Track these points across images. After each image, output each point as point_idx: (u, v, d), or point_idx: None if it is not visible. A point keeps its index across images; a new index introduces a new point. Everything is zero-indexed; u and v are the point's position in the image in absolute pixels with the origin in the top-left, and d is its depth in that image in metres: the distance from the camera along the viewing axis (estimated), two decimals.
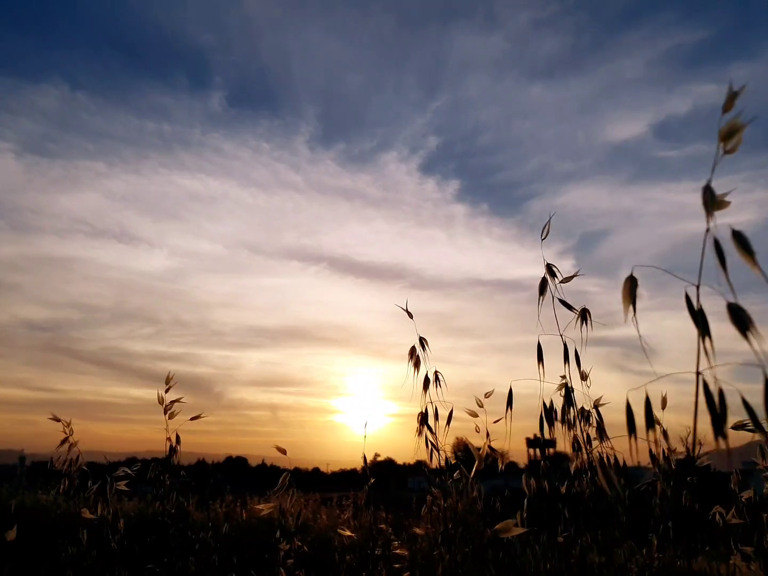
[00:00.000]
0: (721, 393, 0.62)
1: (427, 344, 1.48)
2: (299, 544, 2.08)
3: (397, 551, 1.83)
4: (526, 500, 1.53)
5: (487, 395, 1.66)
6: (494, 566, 1.70)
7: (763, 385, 0.57)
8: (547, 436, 1.25)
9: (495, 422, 1.60)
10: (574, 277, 1.22)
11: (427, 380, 1.48)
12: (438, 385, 1.48)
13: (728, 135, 0.67)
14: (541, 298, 1.12)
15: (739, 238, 0.62)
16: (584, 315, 1.19)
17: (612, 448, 1.30)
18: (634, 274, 0.75)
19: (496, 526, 0.83)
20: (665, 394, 1.54)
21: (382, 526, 2.78)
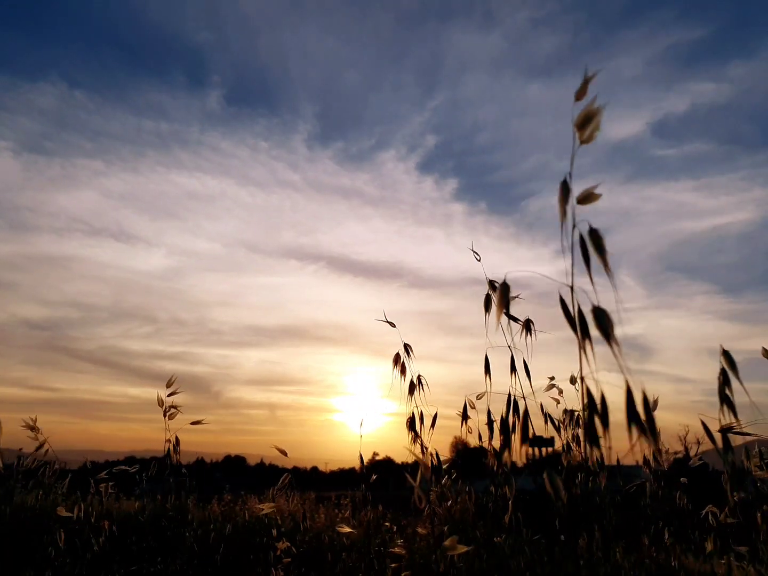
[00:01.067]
0: (603, 399, 0.59)
1: (411, 350, 1.50)
2: (288, 545, 2.09)
3: (396, 550, 1.84)
4: (510, 502, 1.55)
5: (479, 397, 1.68)
6: (488, 567, 1.72)
7: (625, 393, 0.56)
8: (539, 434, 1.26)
9: (486, 424, 1.61)
10: (516, 297, 1.22)
11: (412, 385, 1.50)
12: (421, 389, 1.51)
13: (584, 123, 0.60)
14: (487, 314, 1.12)
15: (593, 236, 0.60)
16: (528, 326, 1.20)
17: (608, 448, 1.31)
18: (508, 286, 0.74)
19: (444, 543, 0.83)
20: (656, 396, 1.55)
21: (387, 524, 2.80)
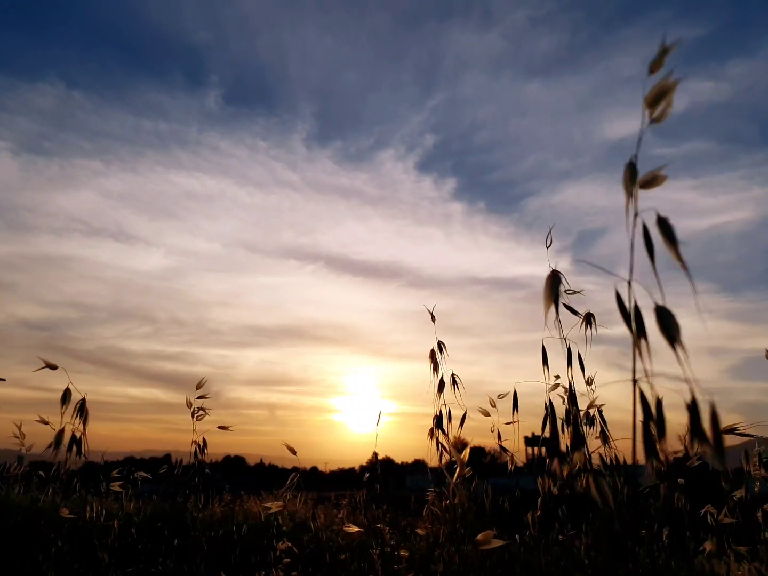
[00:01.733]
0: (659, 403, 0.54)
1: (445, 348, 1.51)
2: (289, 545, 2.09)
3: (398, 551, 1.85)
4: (540, 500, 1.55)
5: (501, 396, 1.67)
6: (497, 566, 1.72)
7: (690, 406, 0.50)
8: (547, 435, 1.26)
9: (507, 424, 1.61)
10: (579, 293, 1.23)
11: (442, 383, 1.50)
12: (456, 388, 1.52)
13: (656, 100, 0.53)
14: (549, 305, 1.13)
15: (663, 225, 0.54)
16: (589, 319, 1.20)
17: (614, 449, 1.32)
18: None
19: (477, 537, 0.83)
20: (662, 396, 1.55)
21: (380, 525, 2.79)
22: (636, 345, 0.53)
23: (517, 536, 1.96)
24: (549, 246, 1.16)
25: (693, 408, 0.50)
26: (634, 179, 0.56)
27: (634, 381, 0.53)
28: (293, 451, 1.58)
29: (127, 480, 2.12)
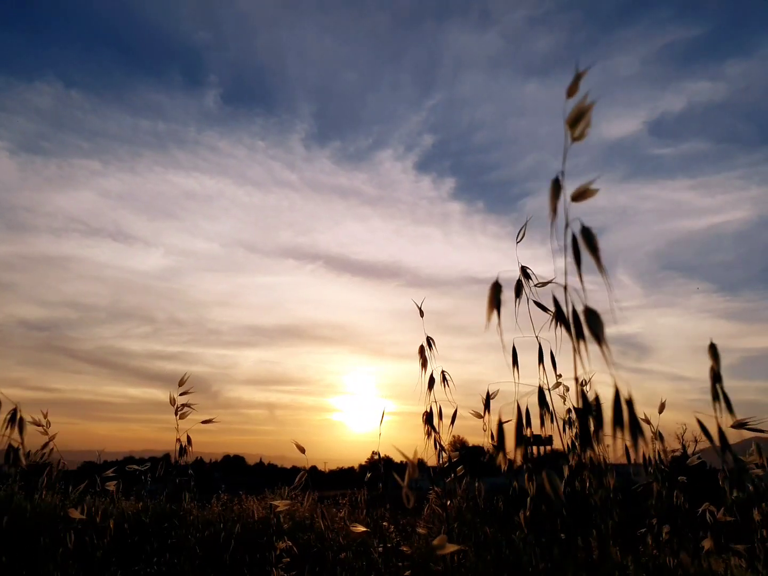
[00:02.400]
0: (597, 401, 0.59)
1: (434, 344, 1.50)
2: (290, 544, 2.09)
3: (402, 549, 1.85)
4: (528, 499, 1.55)
5: (493, 396, 1.67)
6: (493, 565, 1.72)
7: (612, 398, 0.56)
8: (538, 433, 1.26)
9: (503, 423, 1.61)
10: (549, 283, 1.22)
11: (432, 380, 1.50)
12: (446, 385, 1.51)
13: (575, 120, 0.59)
14: (517, 300, 1.13)
15: (586, 235, 0.59)
16: (559, 317, 1.20)
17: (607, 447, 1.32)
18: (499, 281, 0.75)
19: (433, 542, 0.83)
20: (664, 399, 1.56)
21: (384, 523, 2.80)
22: (575, 346, 0.58)
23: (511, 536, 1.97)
24: (519, 240, 1.16)
25: (616, 396, 0.57)
26: (558, 194, 0.61)
27: (576, 379, 0.59)
28: (302, 450, 1.58)
29: (124, 477, 2.11)
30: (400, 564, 1.84)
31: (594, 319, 0.57)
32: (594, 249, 0.58)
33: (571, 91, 0.60)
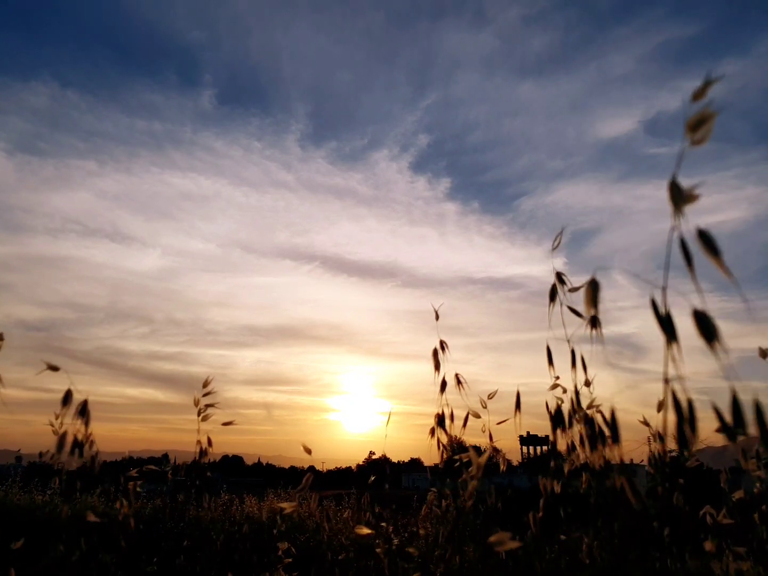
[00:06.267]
0: (690, 403, 0.59)
1: (446, 347, 1.51)
2: (288, 545, 2.09)
3: (408, 550, 1.84)
4: (542, 501, 1.54)
5: (491, 396, 1.68)
6: (499, 567, 1.72)
7: (730, 401, 0.56)
8: (553, 437, 1.27)
9: (498, 423, 1.62)
10: (581, 288, 1.23)
11: (444, 383, 1.50)
12: (461, 388, 1.52)
13: (697, 125, 0.62)
14: (551, 305, 1.14)
15: (704, 237, 0.59)
16: (594, 322, 1.19)
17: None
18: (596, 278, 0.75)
19: (491, 539, 0.83)
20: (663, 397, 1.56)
21: (385, 524, 2.80)
22: (668, 348, 0.59)
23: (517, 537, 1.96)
24: (555, 248, 1.16)
25: (734, 401, 0.57)
26: (680, 196, 0.62)
27: (666, 381, 0.59)
28: (309, 452, 1.58)
29: (134, 479, 2.12)
30: (406, 565, 1.84)
31: (706, 322, 0.57)
32: (715, 252, 0.58)
33: (697, 95, 0.62)
